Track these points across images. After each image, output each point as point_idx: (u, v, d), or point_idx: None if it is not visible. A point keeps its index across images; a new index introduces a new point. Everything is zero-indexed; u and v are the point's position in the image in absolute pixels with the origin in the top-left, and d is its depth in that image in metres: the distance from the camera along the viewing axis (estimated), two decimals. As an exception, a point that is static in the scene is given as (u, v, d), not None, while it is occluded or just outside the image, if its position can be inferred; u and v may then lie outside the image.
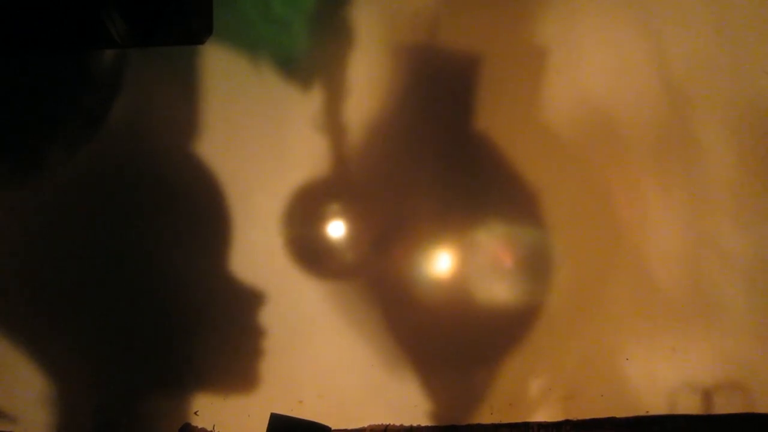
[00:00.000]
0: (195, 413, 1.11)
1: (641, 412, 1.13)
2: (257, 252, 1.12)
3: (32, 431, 1.10)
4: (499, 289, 1.13)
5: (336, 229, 1.12)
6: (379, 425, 1.12)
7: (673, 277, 1.13)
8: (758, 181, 1.13)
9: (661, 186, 1.13)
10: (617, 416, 1.13)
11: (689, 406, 1.14)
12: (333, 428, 1.06)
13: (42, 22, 1.08)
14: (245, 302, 1.11)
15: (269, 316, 1.11)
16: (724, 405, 1.14)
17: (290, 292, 1.11)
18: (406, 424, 1.12)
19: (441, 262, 1.12)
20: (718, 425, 1.13)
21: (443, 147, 1.12)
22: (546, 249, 1.12)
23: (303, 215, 1.12)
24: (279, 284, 1.11)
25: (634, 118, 1.14)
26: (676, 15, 1.13)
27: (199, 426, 1.11)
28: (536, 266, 1.12)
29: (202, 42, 1.11)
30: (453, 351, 1.14)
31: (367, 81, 1.12)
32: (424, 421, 1.12)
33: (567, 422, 1.13)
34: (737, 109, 1.13)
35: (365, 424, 1.12)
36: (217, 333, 1.11)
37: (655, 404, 1.13)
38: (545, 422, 1.13)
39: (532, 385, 1.13)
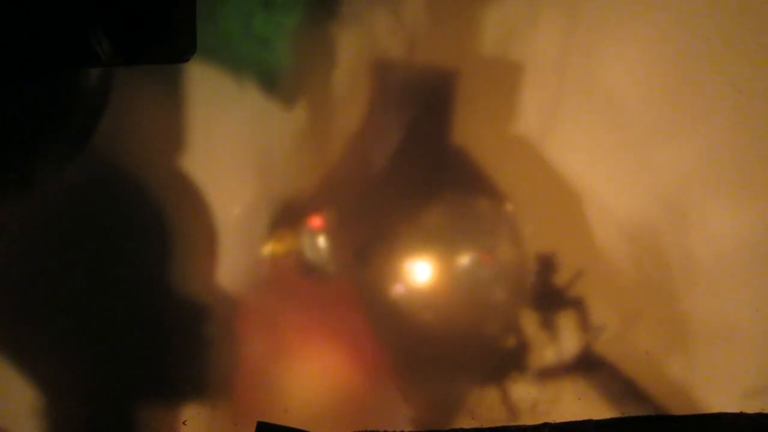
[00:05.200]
0: (183, 423, 1.13)
1: (617, 414, 1.17)
2: (242, 263, 1.14)
3: (22, 443, 1.12)
4: (478, 297, 1.16)
5: (319, 240, 1.15)
6: (362, 431, 1.15)
7: (647, 282, 1.17)
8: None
9: (638, 193, 1.17)
10: (594, 418, 1.16)
11: (664, 407, 1.17)
12: (318, 435, 1.09)
13: (27, 41, 1.09)
14: (230, 313, 1.14)
15: (254, 327, 1.14)
16: (698, 406, 1.18)
17: (274, 302, 1.14)
18: (389, 429, 1.15)
19: (421, 272, 1.16)
20: (692, 426, 1.17)
21: (422, 160, 1.16)
22: (523, 258, 1.16)
23: (286, 227, 1.15)
24: (263, 294, 1.14)
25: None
26: (654, 33, 1.16)
27: (187, 435, 1.13)
28: (513, 275, 1.16)
29: (186, 60, 1.13)
30: (435, 357, 1.17)
31: (348, 96, 1.15)
32: (407, 427, 1.15)
33: (546, 425, 1.16)
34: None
35: (349, 430, 1.15)
36: (204, 344, 1.13)
37: (631, 406, 1.17)
38: (524, 426, 1.16)
39: (511, 390, 1.16)
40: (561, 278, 1.16)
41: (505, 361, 1.16)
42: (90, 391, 1.13)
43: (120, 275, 1.13)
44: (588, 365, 1.16)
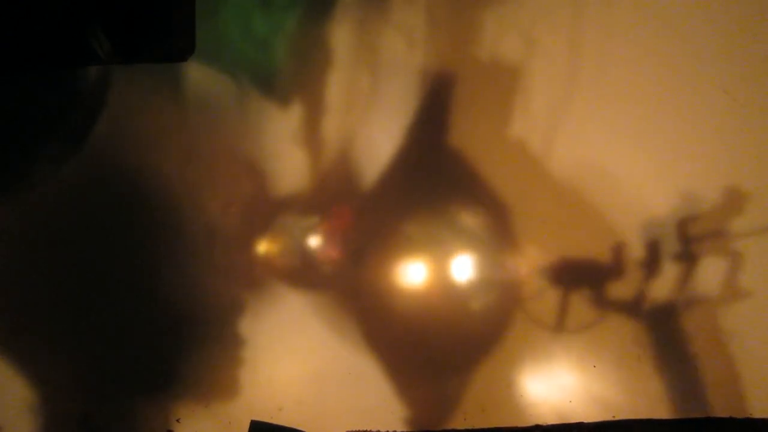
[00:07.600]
0: (177, 421, 1.14)
1: (608, 417, 1.18)
2: (238, 264, 1.15)
3: (17, 439, 1.14)
4: (471, 300, 1.17)
5: (315, 241, 1.16)
6: (356, 431, 1.16)
7: (639, 289, 1.18)
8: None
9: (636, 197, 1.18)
10: (585, 421, 1.17)
11: (656, 411, 1.18)
12: (311, 435, 1.10)
13: (27, 41, 1.10)
14: (226, 312, 1.15)
15: (249, 326, 1.15)
16: (692, 410, 1.19)
17: (269, 303, 1.15)
18: (383, 429, 1.16)
19: (415, 274, 1.16)
20: (686, 429, 1.18)
21: (419, 162, 1.16)
22: (517, 262, 1.17)
23: (282, 229, 1.16)
24: (258, 295, 1.15)
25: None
26: (640, 37, 1.17)
27: (182, 433, 1.14)
28: (507, 278, 1.17)
29: (184, 59, 1.13)
30: (428, 359, 1.18)
31: (346, 98, 1.15)
32: (400, 427, 1.16)
33: (537, 427, 1.17)
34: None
35: (343, 430, 1.16)
36: (198, 342, 1.14)
37: (622, 409, 1.18)
38: (516, 427, 1.17)
39: (503, 392, 1.17)
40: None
41: (497, 364, 1.17)
42: (85, 389, 1.14)
43: (117, 275, 1.14)
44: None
